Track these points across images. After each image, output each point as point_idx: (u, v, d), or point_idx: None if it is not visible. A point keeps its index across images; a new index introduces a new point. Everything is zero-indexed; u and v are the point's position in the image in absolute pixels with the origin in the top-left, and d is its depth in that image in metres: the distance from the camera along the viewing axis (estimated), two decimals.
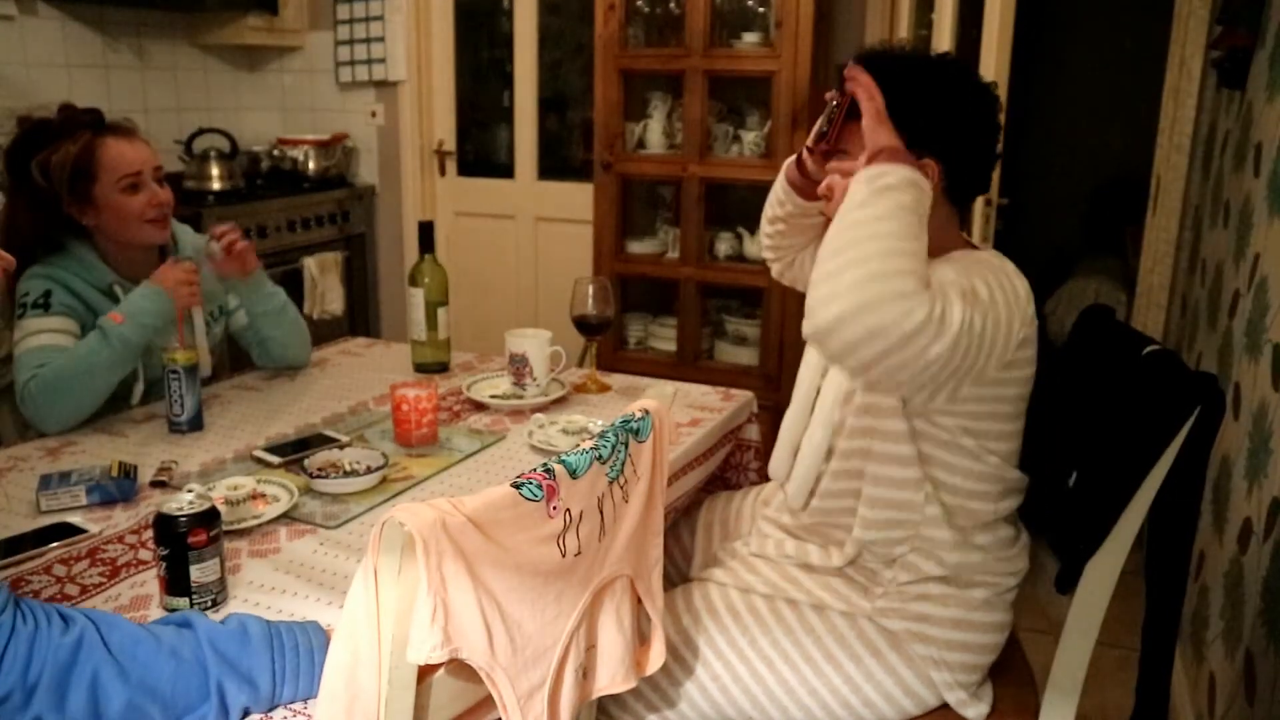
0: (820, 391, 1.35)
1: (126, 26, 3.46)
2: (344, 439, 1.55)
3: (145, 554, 1.17)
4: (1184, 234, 3.20)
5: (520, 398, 1.75)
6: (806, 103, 2.91)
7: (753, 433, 1.83)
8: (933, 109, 1.23)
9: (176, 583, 1.03)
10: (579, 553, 0.96)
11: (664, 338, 3.36)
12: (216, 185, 3.45)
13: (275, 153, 3.80)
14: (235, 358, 2.08)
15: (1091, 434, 1.31)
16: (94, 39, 3.34)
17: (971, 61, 2.39)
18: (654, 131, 3.21)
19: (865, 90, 1.20)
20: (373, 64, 3.82)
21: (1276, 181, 1.86)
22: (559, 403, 1.78)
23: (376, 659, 0.81)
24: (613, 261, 3.28)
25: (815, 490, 1.34)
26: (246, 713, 0.89)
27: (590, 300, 1.85)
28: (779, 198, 1.47)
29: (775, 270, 1.59)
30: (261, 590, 1.10)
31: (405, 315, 2.49)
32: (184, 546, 1.01)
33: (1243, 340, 1.96)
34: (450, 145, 3.94)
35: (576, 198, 3.63)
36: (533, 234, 3.85)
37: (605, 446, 1.01)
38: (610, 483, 1.01)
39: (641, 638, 1.16)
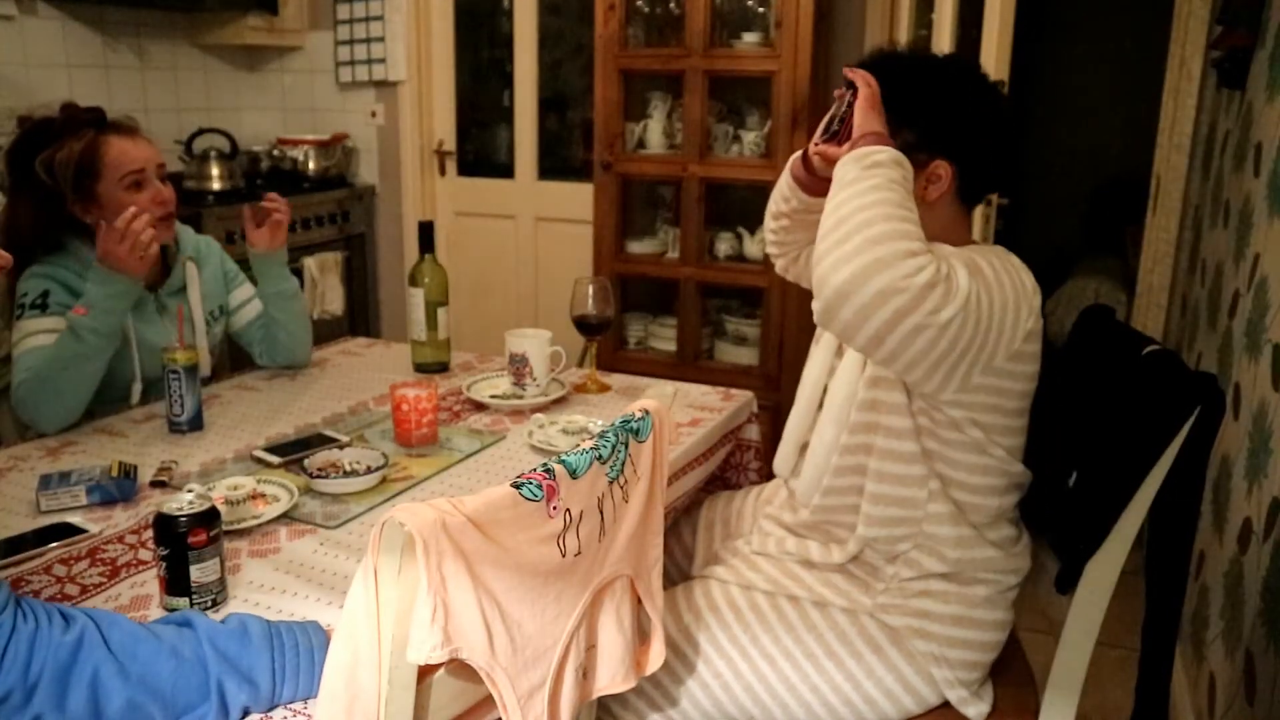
0: (829, 390, 1.35)
1: (126, 26, 3.46)
2: (344, 439, 1.55)
3: (145, 554, 1.17)
4: (1184, 234, 3.20)
5: (520, 398, 1.75)
6: (806, 103, 2.91)
7: (753, 432, 1.83)
8: (943, 109, 1.25)
9: (176, 583, 1.03)
10: (579, 553, 0.96)
11: (664, 338, 3.36)
12: (216, 185, 3.45)
13: (275, 153, 3.81)
14: (235, 358, 2.08)
15: (1092, 434, 1.31)
16: (94, 39, 3.34)
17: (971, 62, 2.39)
18: (654, 131, 3.21)
19: (862, 78, 1.24)
20: (373, 64, 3.82)
21: (1276, 181, 1.86)
22: (559, 403, 1.78)
23: (376, 659, 0.81)
24: (613, 261, 3.28)
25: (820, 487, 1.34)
26: (246, 712, 0.89)
27: (590, 300, 1.85)
28: (784, 194, 1.47)
29: (779, 266, 1.60)
30: (261, 590, 1.10)
31: (405, 315, 2.50)
32: (184, 546, 1.01)
33: (1243, 340, 1.96)
34: (450, 145, 3.94)
35: (576, 198, 3.62)
36: (533, 234, 3.84)
37: (605, 446, 1.01)
38: (610, 483, 1.01)
39: (642, 637, 1.16)
